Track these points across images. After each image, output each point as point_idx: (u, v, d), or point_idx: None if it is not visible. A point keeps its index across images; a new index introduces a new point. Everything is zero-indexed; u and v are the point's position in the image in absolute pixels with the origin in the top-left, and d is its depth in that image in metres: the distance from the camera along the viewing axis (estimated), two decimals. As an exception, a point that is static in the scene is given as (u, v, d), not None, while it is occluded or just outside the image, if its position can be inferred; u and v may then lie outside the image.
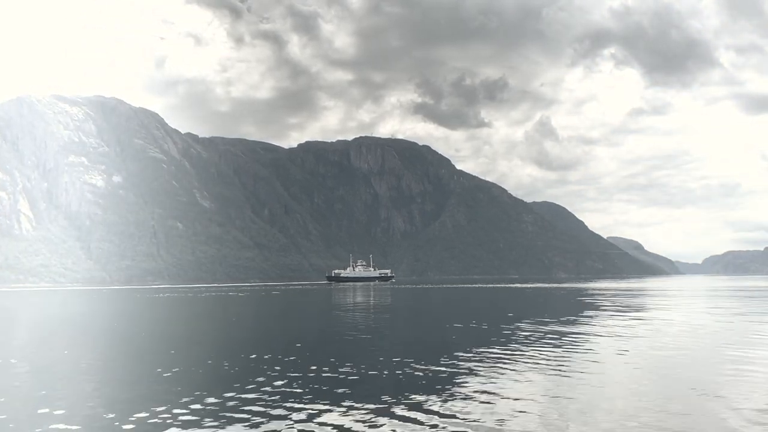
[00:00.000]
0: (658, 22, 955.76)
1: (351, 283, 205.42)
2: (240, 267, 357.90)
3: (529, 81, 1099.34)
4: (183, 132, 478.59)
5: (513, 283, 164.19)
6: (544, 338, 27.05)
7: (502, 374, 17.83)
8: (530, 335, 28.32)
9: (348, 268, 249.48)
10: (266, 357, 22.33)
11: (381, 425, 12.53)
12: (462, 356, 21.59)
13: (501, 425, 12.29)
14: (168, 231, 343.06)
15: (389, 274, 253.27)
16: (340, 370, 18.95)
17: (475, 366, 19.35)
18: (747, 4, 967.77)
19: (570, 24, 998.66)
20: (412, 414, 13.27)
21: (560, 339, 26.79)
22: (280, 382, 16.95)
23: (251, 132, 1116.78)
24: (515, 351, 22.82)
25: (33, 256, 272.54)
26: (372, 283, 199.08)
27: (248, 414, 13.46)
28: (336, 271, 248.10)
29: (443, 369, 18.99)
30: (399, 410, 13.66)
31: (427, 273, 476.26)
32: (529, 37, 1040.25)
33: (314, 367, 19.45)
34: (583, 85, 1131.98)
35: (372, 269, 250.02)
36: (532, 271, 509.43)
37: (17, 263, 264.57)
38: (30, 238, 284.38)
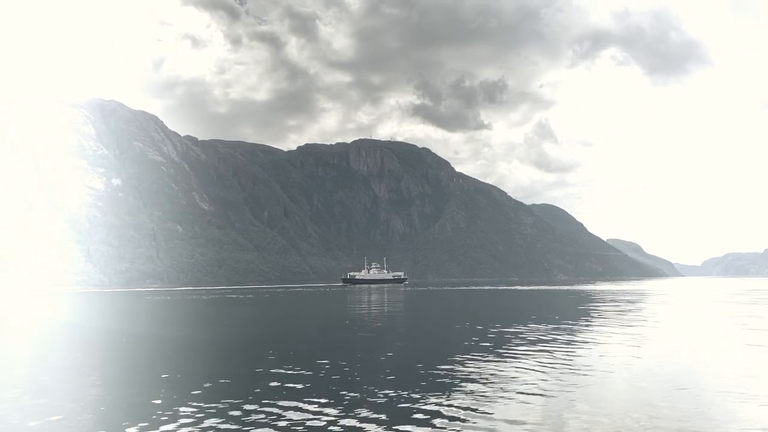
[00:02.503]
0: (657, 23, 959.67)
1: (366, 285, 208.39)
2: (239, 269, 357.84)
3: (528, 82, 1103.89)
4: (182, 135, 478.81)
5: (513, 286, 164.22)
6: (545, 340, 27.05)
7: (501, 375, 17.83)
8: (531, 336, 28.32)
9: (363, 271, 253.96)
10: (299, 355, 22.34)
11: (381, 426, 12.54)
12: (465, 357, 21.60)
13: (499, 427, 12.31)
14: (167, 233, 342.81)
15: (402, 276, 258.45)
16: (356, 367, 18.96)
17: (476, 367, 19.36)
18: (746, 5, 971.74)
19: (569, 25, 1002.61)
20: (412, 415, 13.29)
21: (560, 341, 26.80)
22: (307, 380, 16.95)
23: (249, 134, 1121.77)
24: (516, 352, 22.82)
25: (32, 258, 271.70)
26: (386, 285, 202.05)
27: (264, 415, 13.47)
28: (351, 274, 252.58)
29: (445, 369, 19.00)
30: (397, 411, 13.67)
31: (426, 275, 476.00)
32: (528, 38, 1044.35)
33: (332, 365, 19.46)
34: (583, 86, 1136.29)
35: (386, 272, 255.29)
36: (531, 273, 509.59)
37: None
38: (29, 240, 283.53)
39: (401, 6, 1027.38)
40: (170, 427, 12.67)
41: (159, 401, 15.06)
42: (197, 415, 13.55)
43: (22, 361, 23.87)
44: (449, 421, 12.90)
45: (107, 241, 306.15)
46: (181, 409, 14.17)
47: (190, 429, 12.50)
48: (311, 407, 14.27)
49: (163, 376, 19.00)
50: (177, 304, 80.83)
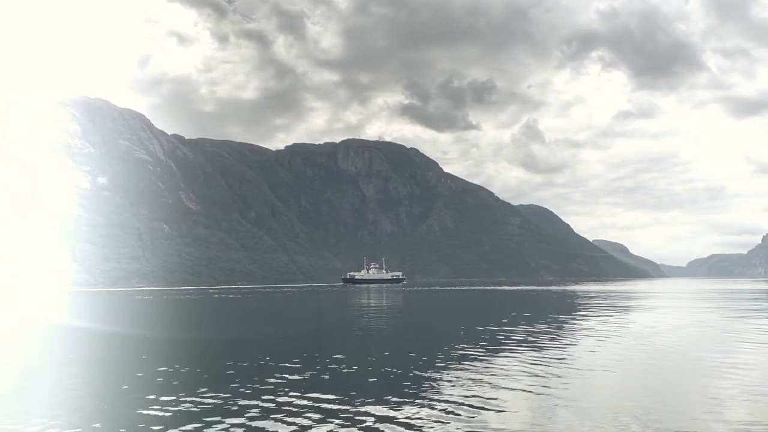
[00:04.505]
0: (645, 24, 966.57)
1: (365, 285, 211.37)
2: (226, 269, 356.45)
3: (516, 83, 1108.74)
4: (169, 133, 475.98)
5: (501, 286, 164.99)
6: (534, 340, 27.10)
7: (492, 376, 17.76)
8: (521, 336, 28.36)
9: (362, 271, 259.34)
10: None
11: (371, 426, 12.42)
12: (453, 357, 21.55)
13: (488, 427, 12.22)
14: (153, 233, 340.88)
15: (400, 277, 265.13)
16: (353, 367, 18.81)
17: (467, 367, 19.30)
18: (734, 8, 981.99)
19: (557, 26, 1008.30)
20: (401, 415, 13.16)
21: (550, 341, 26.86)
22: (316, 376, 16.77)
23: (237, 133, 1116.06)
24: (506, 352, 22.80)
25: (16, 257, 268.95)
26: (384, 285, 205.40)
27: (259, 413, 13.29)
28: (351, 274, 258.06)
29: (437, 368, 18.92)
30: (384, 411, 13.54)
31: (414, 276, 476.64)
32: (517, 38, 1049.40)
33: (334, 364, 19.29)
34: (571, 87, 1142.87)
35: (384, 272, 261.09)
36: (518, 273, 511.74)
37: None
38: (13, 239, 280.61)
39: (390, 5, 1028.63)
40: (159, 427, 12.46)
41: (150, 404, 14.81)
42: (190, 416, 13.35)
43: (8, 363, 23.48)
44: (441, 420, 12.77)
45: (93, 241, 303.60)
46: (173, 409, 13.95)
47: (184, 429, 12.31)
48: (310, 404, 14.11)
49: (160, 375, 18.74)
50: (168, 303, 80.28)
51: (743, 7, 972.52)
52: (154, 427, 12.39)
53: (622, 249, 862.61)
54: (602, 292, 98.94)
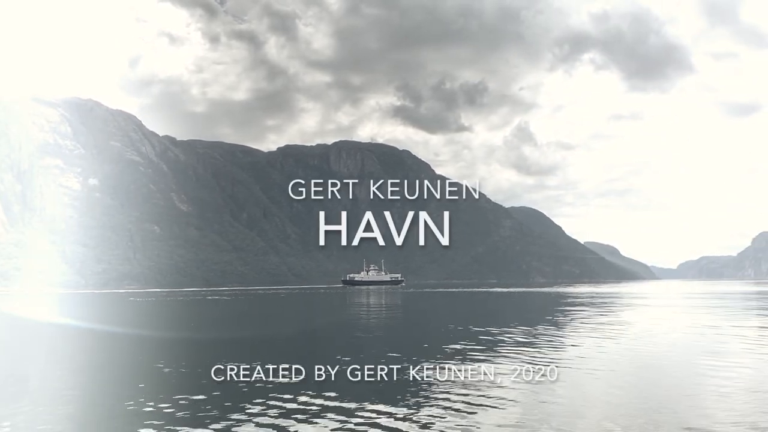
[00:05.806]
0: (637, 26, 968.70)
1: (364, 287, 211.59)
2: (218, 271, 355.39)
3: (508, 85, 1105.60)
4: (161, 134, 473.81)
5: (493, 288, 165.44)
6: (530, 341, 27.19)
7: (489, 375, 17.82)
8: (516, 337, 28.45)
9: (362, 273, 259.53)
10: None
11: (371, 426, 12.46)
12: (451, 356, 21.60)
13: (486, 426, 12.27)
14: (145, 234, 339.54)
15: (399, 278, 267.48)
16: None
17: (464, 366, 19.34)
18: (725, 11, 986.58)
19: (549, 28, 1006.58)
20: (401, 415, 13.21)
21: (546, 341, 26.97)
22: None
23: (228, 133, 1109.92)
24: (503, 352, 22.88)
25: (6, 259, 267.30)
26: (383, 287, 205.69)
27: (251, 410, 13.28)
28: (350, 275, 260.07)
29: (436, 367, 18.95)
30: (383, 411, 13.58)
31: (407, 278, 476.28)
32: (509, 40, 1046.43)
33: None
34: (562, 89, 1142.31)
35: (383, 273, 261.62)
36: (510, 275, 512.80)
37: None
38: (3, 241, 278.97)
39: (382, 6, 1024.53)
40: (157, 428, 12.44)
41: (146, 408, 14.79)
42: (190, 416, 13.33)
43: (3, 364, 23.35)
44: (440, 419, 12.83)
45: (83, 242, 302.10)
46: (171, 410, 13.93)
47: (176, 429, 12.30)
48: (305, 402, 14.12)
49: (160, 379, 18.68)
50: (167, 305, 79.93)
51: (733, 11, 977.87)
52: (151, 429, 12.38)
53: (613, 251, 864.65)
54: (595, 294, 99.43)
